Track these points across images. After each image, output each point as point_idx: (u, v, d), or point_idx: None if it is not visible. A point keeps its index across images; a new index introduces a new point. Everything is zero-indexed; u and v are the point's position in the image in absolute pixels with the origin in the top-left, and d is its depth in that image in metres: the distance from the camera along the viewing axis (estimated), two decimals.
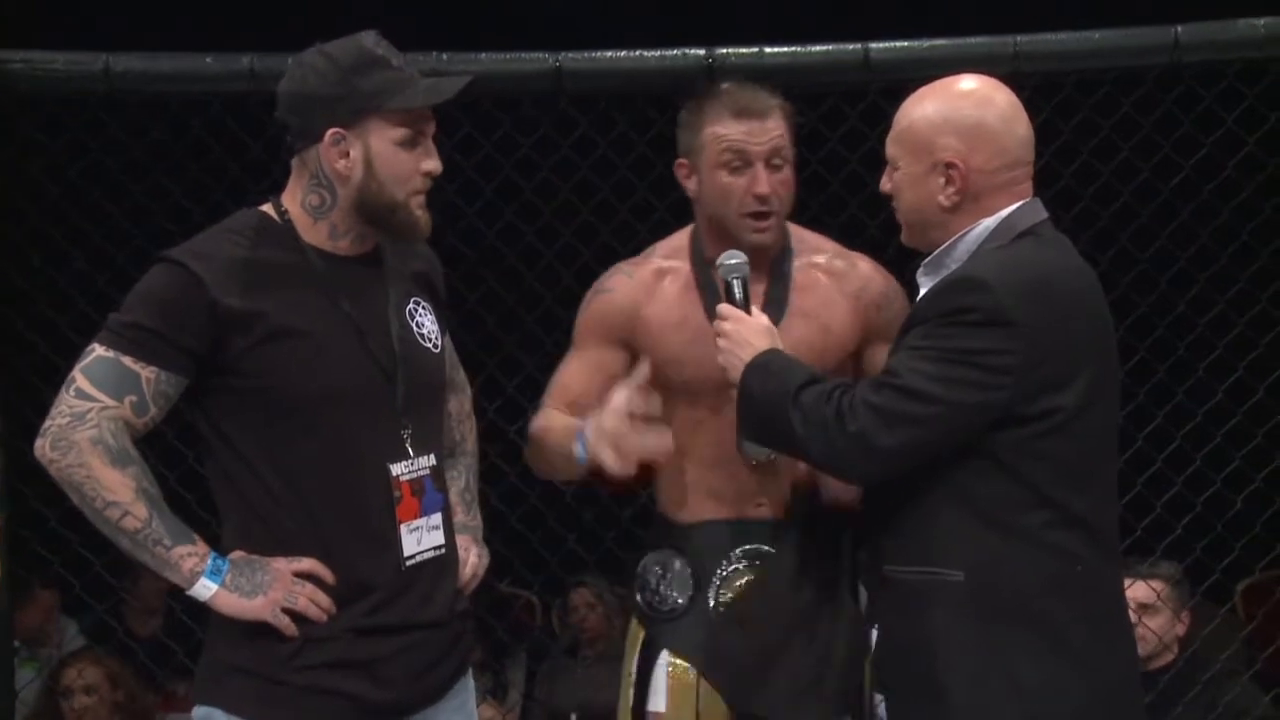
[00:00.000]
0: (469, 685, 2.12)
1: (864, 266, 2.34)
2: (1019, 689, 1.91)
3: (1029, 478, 1.92)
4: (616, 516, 3.28)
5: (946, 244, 2.01)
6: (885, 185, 2.07)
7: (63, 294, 2.94)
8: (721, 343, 2.11)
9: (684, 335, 2.26)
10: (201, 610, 1.98)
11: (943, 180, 1.98)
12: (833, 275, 2.31)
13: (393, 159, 1.96)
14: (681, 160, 2.29)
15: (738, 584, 2.26)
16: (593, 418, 2.10)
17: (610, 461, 2.06)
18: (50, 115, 2.76)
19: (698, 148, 2.25)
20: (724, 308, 2.14)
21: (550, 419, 2.27)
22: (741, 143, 2.21)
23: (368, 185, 1.97)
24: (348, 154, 1.96)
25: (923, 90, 2.05)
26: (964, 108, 1.99)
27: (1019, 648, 1.92)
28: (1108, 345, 2.02)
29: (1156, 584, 3.14)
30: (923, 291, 2.04)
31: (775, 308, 2.24)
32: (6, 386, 2.59)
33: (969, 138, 1.98)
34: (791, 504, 2.28)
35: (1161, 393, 3.09)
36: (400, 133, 1.96)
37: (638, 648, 2.33)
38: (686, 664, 2.27)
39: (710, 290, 2.25)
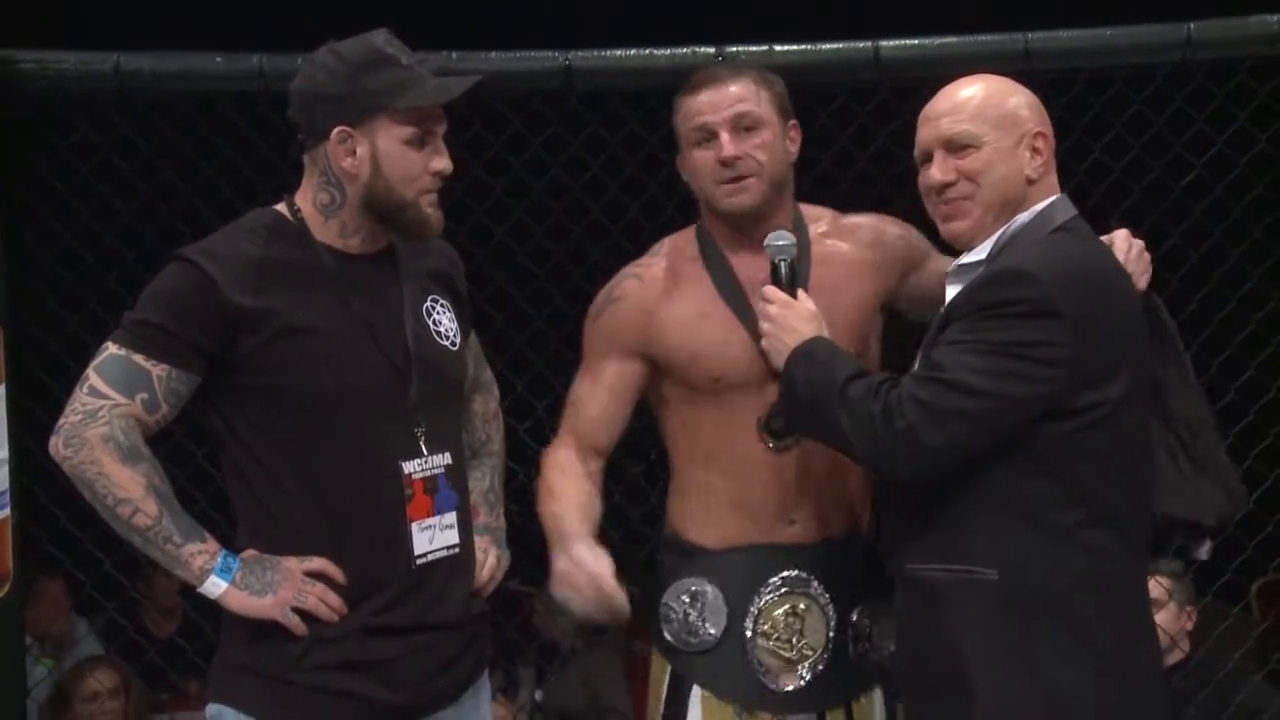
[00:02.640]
0: (484, 688, 2.12)
1: (868, 219, 2.31)
2: (1051, 689, 1.89)
3: (1069, 474, 1.90)
4: (627, 516, 3.27)
5: (986, 243, 1.99)
6: (949, 173, 1.99)
7: (73, 293, 2.94)
8: (766, 326, 2.07)
9: (705, 328, 2.18)
10: (215, 609, 1.98)
11: (1029, 153, 1.98)
12: (844, 236, 2.26)
13: (401, 158, 1.96)
14: (679, 155, 2.26)
15: (775, 613, 2.17)
16: (575, 549, 2.03)
17: (565, 602, 2.04)
18: (60, 114, 2.77)
19: (680, 136, 2.23)
20: (769, 290, 2.09)
21: (559, 475, 2.17)
22: (703, 114, 2.17)
23: (375, 183, 1.97)
24: (354, 152, 1.96)
25: (967, 79, 2.05)
26: (1020, 89, 2.03)
27: (1050, 647, 1.89)
28: (1143, 343, 2.01)
29: (1162, 580, 3.13)
30: (950, 291, 2.01)
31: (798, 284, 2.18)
32: (17, 386, 2.59)
33: (1039, 114, 2.01)
34: (824, 523, 2.20)
35: None
36: (408, 131, 1.96)
37: (664, 685, 2.21)
38: (725, 701, 2.16)
39: (729, 282, 2.20)
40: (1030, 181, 1.99)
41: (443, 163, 1.98)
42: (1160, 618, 3.11)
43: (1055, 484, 1.90)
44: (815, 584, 2.18)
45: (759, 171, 2.16)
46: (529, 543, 3.21)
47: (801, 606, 2.17)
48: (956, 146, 2.00)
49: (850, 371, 1.98)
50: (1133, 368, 1.95)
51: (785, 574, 2.17)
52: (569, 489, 2.17)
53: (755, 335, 2.15)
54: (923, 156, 2.05)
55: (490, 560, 2.14)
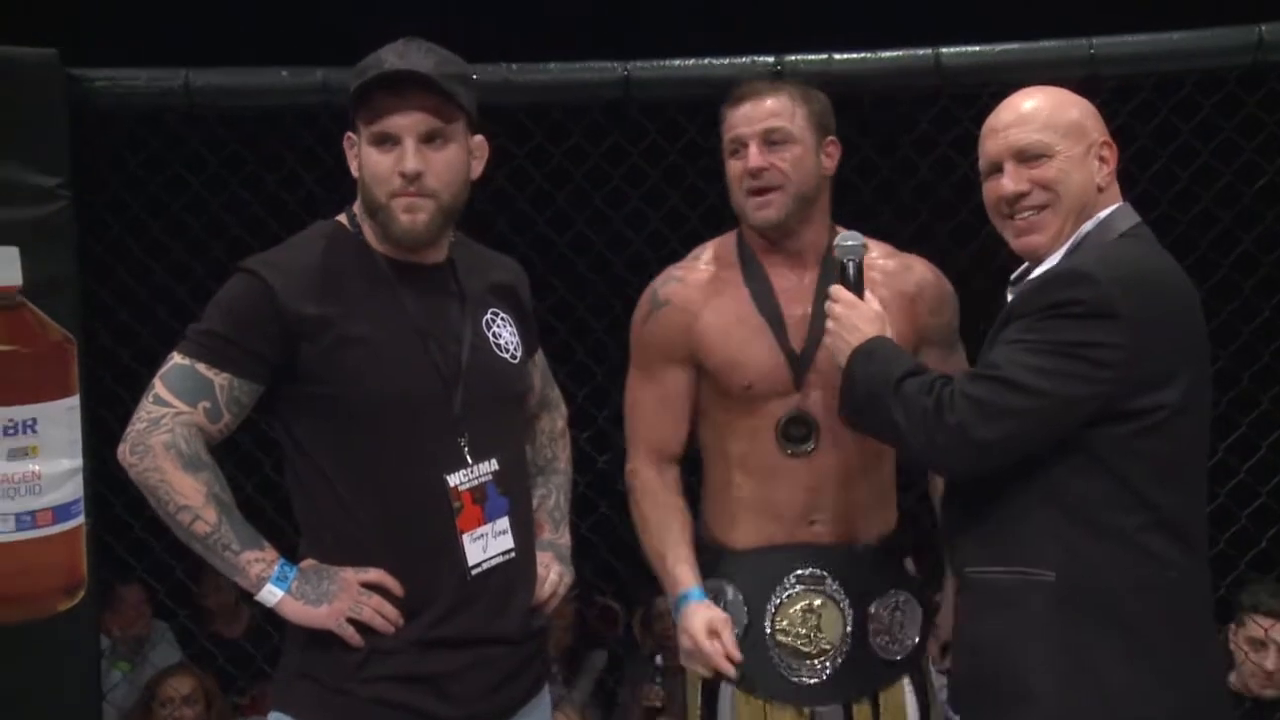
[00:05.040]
0: (545, 702, 2.11)
1: (920, 267, 2.32)
2: (1107, 693, 1.87)
3: (1127, 477, 1.88)
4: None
5: (1056, 255, 1.98)
6: (1023, 182, 1.98)
7: (144, 305, 2.99)
8: (830, 324, 2.10)
9: (740, 336, 2.24)
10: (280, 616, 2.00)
11: (1097, 162, 1.99)
12: (886, 274, 2.28)
13: (371, 159, 1.96)
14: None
15: (792, 610, 2.24)
16: (686, 618, 2.20)
17: (688, 659, 2.22)
18: (130, 130, 2.82)
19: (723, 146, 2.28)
20: (836, 289, 2.12)
21: (650, 504, 2.28)
22: (736, 127, 2.24)
23: (362, 187, 1.99)
24: (357, 156, 1.98)
25: (1029, 90, 2.04)
26: (1079, 99, 2.02)
27: (1107, 651, 1.88)
28: (1205, 351, 1.98)
29: (1262, 621, 3.06)
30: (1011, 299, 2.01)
31: (825, 301, 2.18)
32: (91, 396, 2.65)
33: (1100, 123, 2.01)
34: (843, 526, 2.25)
35: (1246, 403, 3.02)
36: (371, 131, 1.95)
37: (699, 684, 2.28)
38: (754, 697, 2.24)
39: (764, 291, 2.24)
40: (1099, 190, 1.99)
41: (406, 165, 1.93)
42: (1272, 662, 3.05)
43: (1115, 487, 1.89)
44: (830, 581, 2.25)
45: (783, 184, 2.22)
46: (592, 555, 3.23)
47: (817, 603, 2.24)
48: (1029, 157, 1.99)
49: (907, 368, 1.99)
50: (1192, 373, 1.92)
51: (800, 572, 2.25)
52: (661, 517, 2.28)
53: (784, 344, 2.22)
54: (990, 168, 2.04)
55: (552, 576, 2.12)
